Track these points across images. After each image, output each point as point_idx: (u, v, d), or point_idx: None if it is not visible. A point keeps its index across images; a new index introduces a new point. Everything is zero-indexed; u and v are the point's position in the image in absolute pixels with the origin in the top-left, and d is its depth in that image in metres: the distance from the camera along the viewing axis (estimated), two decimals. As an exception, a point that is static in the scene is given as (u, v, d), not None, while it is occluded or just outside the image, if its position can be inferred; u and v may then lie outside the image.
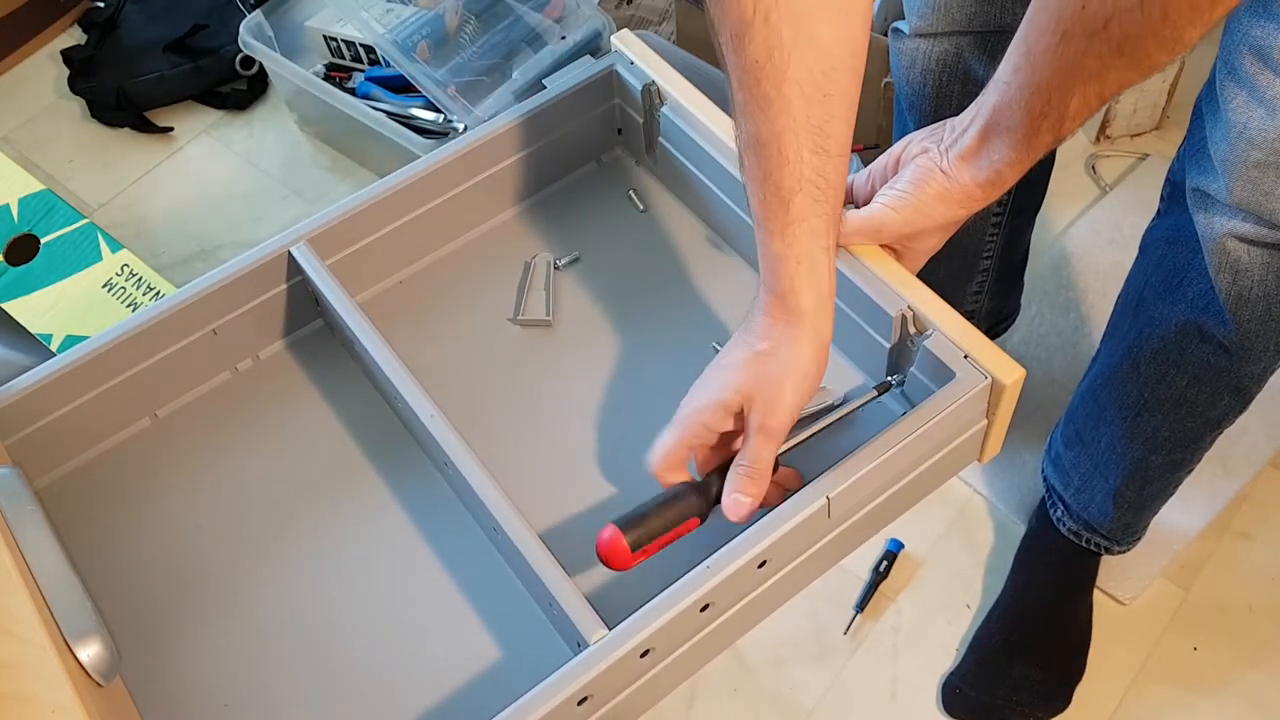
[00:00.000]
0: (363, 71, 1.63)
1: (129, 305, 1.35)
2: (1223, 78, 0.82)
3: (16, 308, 1.34)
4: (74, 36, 1.89)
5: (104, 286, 1.36)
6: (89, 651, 0.68)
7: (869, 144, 1.50)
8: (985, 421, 0.77)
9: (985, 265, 1.22)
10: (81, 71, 1.80)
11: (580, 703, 0.66)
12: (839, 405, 0.82)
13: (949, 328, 0.75)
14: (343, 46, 1.63)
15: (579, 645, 0.68)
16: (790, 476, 0.77)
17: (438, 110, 1.53)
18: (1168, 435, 1.06)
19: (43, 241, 1.39)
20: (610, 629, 0.66)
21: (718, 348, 0.85)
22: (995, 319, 1.34)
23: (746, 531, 0.68)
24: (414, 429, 0.81)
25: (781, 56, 0.64)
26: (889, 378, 0.80)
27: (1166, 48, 0.61)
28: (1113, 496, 1.15)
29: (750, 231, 0.86)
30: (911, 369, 0.78)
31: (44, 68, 1.86)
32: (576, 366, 0.86)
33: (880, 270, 0.77)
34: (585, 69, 0.92)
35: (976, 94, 1.01)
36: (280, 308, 0.87)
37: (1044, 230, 1.57)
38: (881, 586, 1.29)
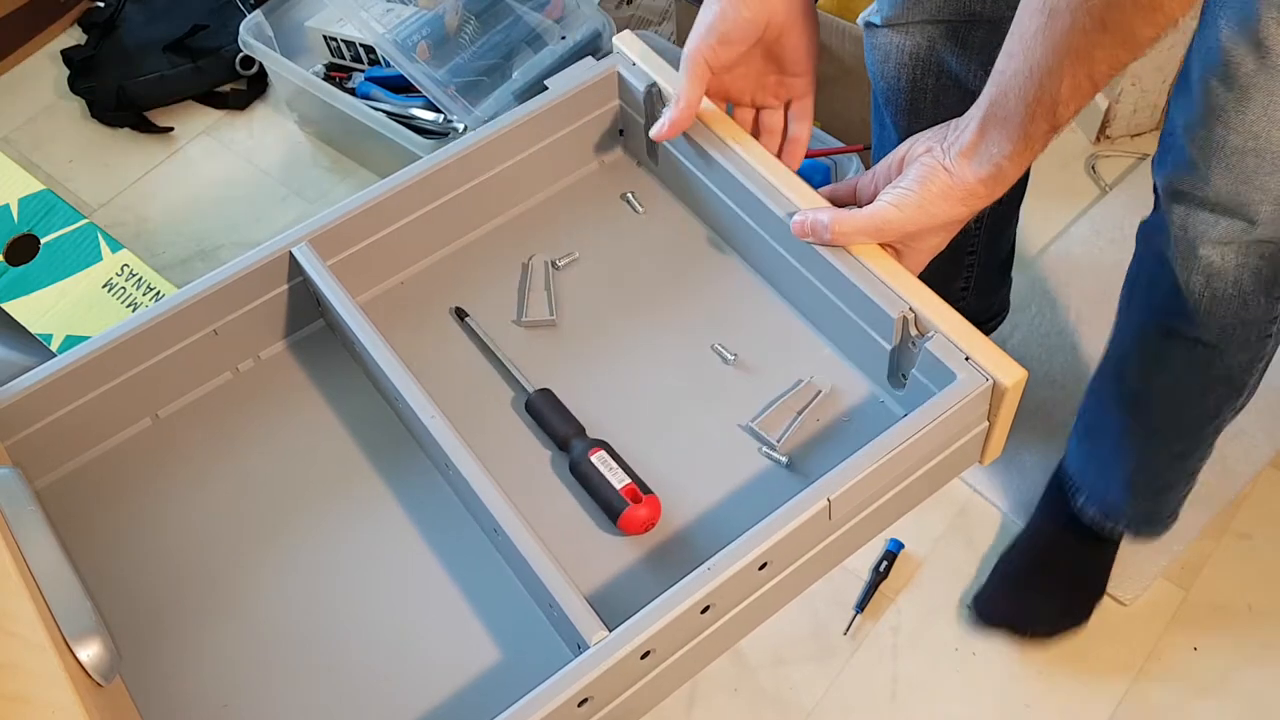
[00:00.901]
0: (363, 71, 1.63)
1: (129, 305, 1.35)
2: (1199, 61, 0.82)
3: (16, 308, 1.34)
4: (74, 36, 1.90)
5: (104, 286, 1.36)
6: (89, 651, 0.67)
7: (869, 144, 1.50)
8: (987, 423, 0.77)
9: (970, 261, 1.22)
10: (81, 71, 1.81)
11: (581, 704, 0.66)
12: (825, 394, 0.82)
13: (950, 329, 0.75)
14: (343, 46, 1.63)
15: (579, 647, 0.68)
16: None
17: (438, 110, 1.53)
18: (1166, 428, 1.08)
19: (43, 241, 1.39)
20: (611, 630, 0.66)
21: (719, 348, 0.86)
22: (983, 317, 1.35)
23: (747, 533, 0.68)
24: (415, 430, 0.81)
25: None
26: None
27: (1148, 18, 0.61)
28: (1127, 487, 1.17)
29: (751, 234, 0.86)
30: (913, 370, 0.78)
31: (44, 68, 1.86)
32: (579, 367, 0.86)
33: (882, 272, 0.77)
34: (587, 70, 0.92)
35: (950, 87, 1.03)
36: (281, 308, 0.87)
37: (1044, 230, 1.57)
38: (881, 586, 1.29)
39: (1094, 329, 1.44)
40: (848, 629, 1.27)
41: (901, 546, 1.31)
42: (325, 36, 1.63)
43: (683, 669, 0.72)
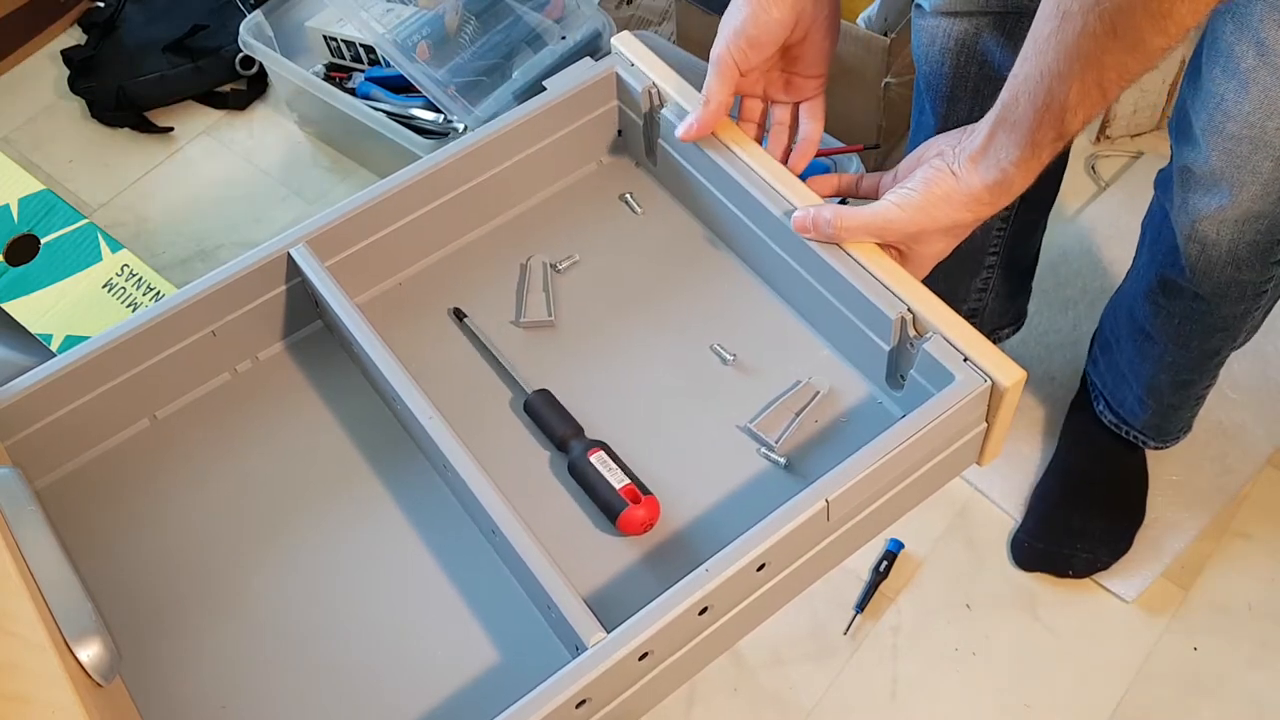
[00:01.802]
0: (363, 71, 1.63)
1: (129, 305, 1.35)
2: (1206, 47, 0.87)
3: (16, 308, 1.34)
4: (74, 36, 1.90)
5: (104, 286, 1.36)
6: (89, 651, 0.68)
7: (869, 144, 1.50)
8: (985, 425, 0.77)
9: (991, 261, 1.23)
10: (81, 71, 1.81)
11: (579, 705, 0.66)
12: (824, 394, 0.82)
13: (949, 330, 0.75)
14: (343, 46, 1.63)
15: (577, 648, 0.68)
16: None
17: (438, 110, 1.53)
18: (1171, 361, 1.14)
19: (43, 241, 1.39)
20: (609, 632, 0.66)
21: (717, 349, 0.85)
22: (998, 323, 1.35)
23: (745, 534, 0.68)
24: (413, 431, 0.81)
25: None
26: None
27: (1158, 25, 0.61)
28: (1140, 402, 1.23)
29: (749, 234, 0.86)
30: (911, 371, 0.77)
31: (44, 68, 1.86)
32: (577, 369, 0.86)
33: (881, 272, 0.77)
34: (585, 71, 0.92)
35: (992, 77, 1.04)
36: (280, 309, 0.87)
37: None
38: (881, 586, 1.29)
39: (1092, 327, 1.44)
40: (848, 629, 1.27)
41: (901, 546, 1.31)
42: (325, 36, 1.63)
43: (681, 670, 0.72)
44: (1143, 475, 1.33)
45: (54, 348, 1.31)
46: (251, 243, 1.62)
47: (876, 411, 0.82)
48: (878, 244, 0.78)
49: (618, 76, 0.92)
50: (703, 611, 0.68)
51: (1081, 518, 1.30)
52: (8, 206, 1.40)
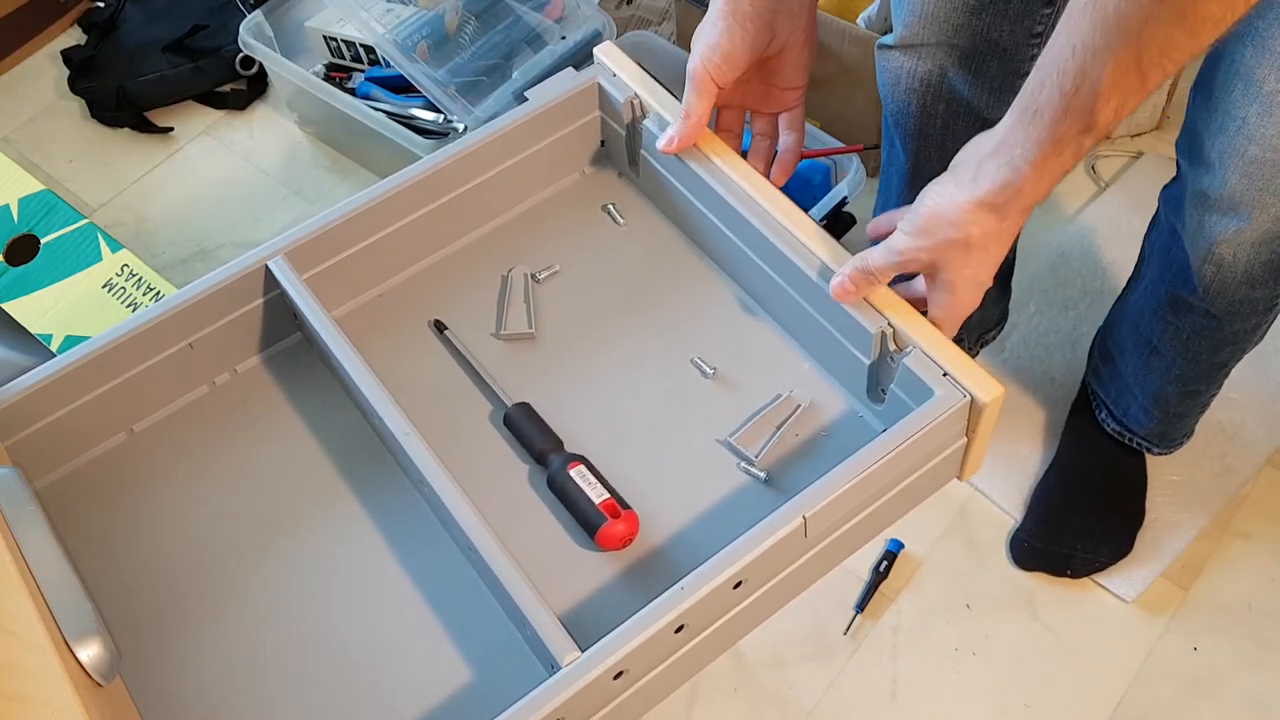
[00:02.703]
0: (363, 71, 1.63)
1: (129, 305, 1.35)
2: (1221, 70, 0.84)
3: (16, 308, 1.34)
4: (74, 36, 1.90)
5: (104, 286, 1.36)
6: (89, 651, 0.68)
7: (869, 144, 1.50)
8: (964, 440, 0.76)
9: None
10: (81, 71, 1.81)
11: None
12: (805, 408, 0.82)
13: (929, 345, 0.74)
14: (343, 46, 1.63)
15: (552, 667, 0.67)
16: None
17: (438, 110, 1.53)
18: (1179, 374, 1.13)
19: (43, 241, 1.39)
20: (583, 651, 0.66)
21: (698, 362, 0.85)
22: (982, 328, 1.35)
23: (722, 552, 0.68)
24: (390, 446, 0.81)
25: None
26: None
27: None
28: (1144, 411, 1.23)
29: (731, 247, 0.86)
30: (892, 386, 0.77)
31: (44, 68, 1.86)
32: (557, 381, 0.85)
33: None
34: (567, 81, 0.91)
35: (962, 114, 1.02)
36: (258, 321, 0.86)
37: (1042, 229, 1.57)
38: (881, 586, 1.29)
39: (1092, 327, 1.44)
40: (848, 629, 1.27)
41: (901, 546, 1.31)
42: (325, 36, 1.63)
43: (658, 688, 0.71)
44: (1143, 477, 1.33)
45: (54, 348, 1.31)
46: (252, 243, 1.62)
47: (857, 425, 0.81)
48: (911, 274, 0.76)
49: (600, 87, 0.91)
50: (679, 629, 0.68)
51: (1081, 518, 1.30)
52: (8, 206, 1.40)
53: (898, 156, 1.11)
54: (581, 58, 1.55)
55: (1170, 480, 1.34)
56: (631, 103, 0.89)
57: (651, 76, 0.90)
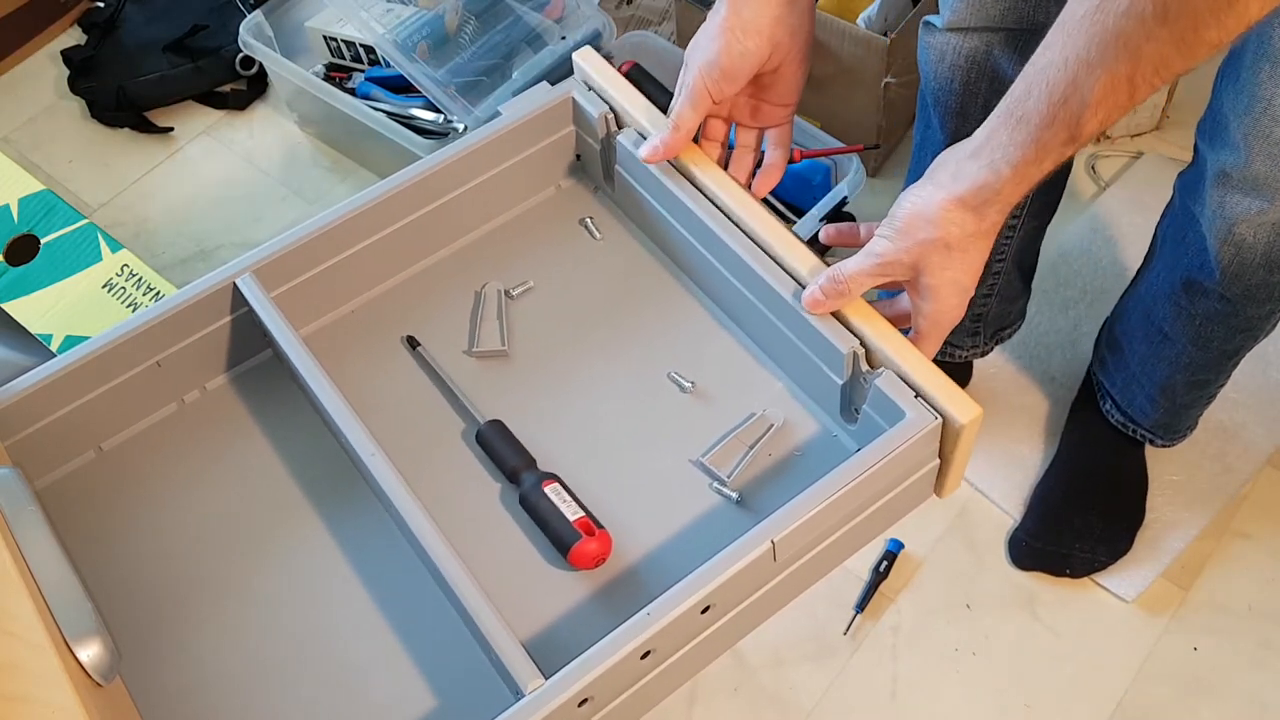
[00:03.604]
0: (363, 71, 1.63)
1: (129, 305, 1.35)
2: (1251, 51, 0.84)
3: (16, 308, 1.34)
4: (74, 36, 1.90)
5: (104, 286, 1.36)
6: (89, 651, 0.68)
7: (869, 144, 1.50)
8: (937, 461, 0.75)
9: (998, 268, 1.23)
10: (81, 71, 1.81)
11: None
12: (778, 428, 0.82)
13: (903, 365, 0.73)
14: (343, 46, 1.63)
15: (517, 693, 0.66)
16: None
17: (438, 110, 1.53)
18: (1189, 361, 1.13)
19: (43, 241, 1.39)
20: (547, 678, 0.65)
21: (675, 377, 0.85)
22: (1000, 324, 1.35)
23: (689, 577, 0.67)
24: (358, 466, 0.80)
25: None
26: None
27: (1217, 16, 0.56)
28: (1150, 401, 1.23)
29: (705, 264, 0.85)
30: (865, 406, 0.76)
31: (44, 68, 1.86)
32: (530, 399, 0.85)
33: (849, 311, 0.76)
34: (541, 95, 0.90)
35: (1003, 91, 1.02)
36: (226, 338, 0.86)
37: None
38: (881, 586, 1.29)
39: (1092, 327, 1.44)
40: (848, 629, 1.27)
41: (901, 546, 1.31)
42: (325, 36, 1.63)
43: (626, 713, 0.71)
44: (1143, 476, 1.33)
45: (54, 348, 1.31)
46: (252, 243, 1.62)
47: (831, 445, 0.81)
48: (890, 285, 0.75)
49: (574, 101, 0.90)
50: (645, 655, 0.67)
51: (1081, 517, 1.30)
52: (8, 206, 1.40)
53: (934, 136, 1.11)
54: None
55: (1170, 480, 1.34)
56: (605, 118, 0.88)
57: (637, 83, 0.89)
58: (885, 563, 1.29)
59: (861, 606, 1.27)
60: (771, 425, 0.82)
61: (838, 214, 1.39)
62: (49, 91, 1.83)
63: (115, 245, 1.38)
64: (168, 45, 1.79)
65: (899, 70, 1.46)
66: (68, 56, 1.83)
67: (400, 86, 1.57)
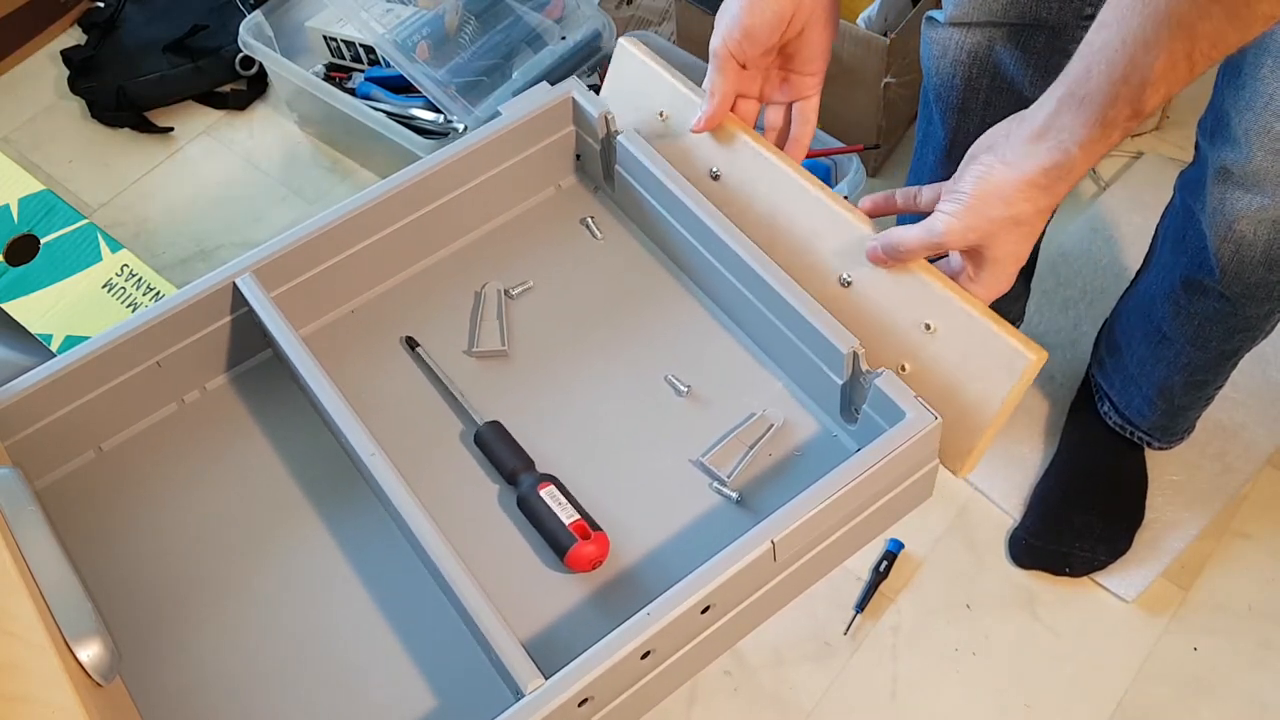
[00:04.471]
0: (363, 71, 1.63)
1: (129, 305, 1.35)
2: (1251, 47, 0.83)
3: (16, 308, 1.34)
4: (74, 36, 1.90)
5: (104, 286, 1.36)
6: (89, 651, 0.68)
7: (869, 144, 1.50)
8: (937, 461, 0.75)
9: None
10: (81, 71, 1.81)
11: None
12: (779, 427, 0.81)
13: (971, 311, 0.73)
14: (343, 46, 1.63)
15: (517, 693, 0.67)
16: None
17: (438, 110, 1.53)
18: (1187, 362, 1.13)
19: (43, 241, 1.39)
20: (547, 678, 0.65)
21: (672, 380, 0.85)
22: None
23: (688, 577, 0.67)
24: (358, 466, 0.80)
25: None
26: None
27: None
28: (1149, 403, 1.23)
29: (704, 264, 0.85)
30: (865, 406, 0.76)
31: (44, 68, 1.86)
32: (531, 399, 0.85)
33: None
34: (541, 96, 0.90)
35: (1004, 90, 1.02)
36: (226, 338, 0.86)
37: (1044, 230, 1.57)
38: (881, 586, 1.29)
39: (1092, 327, 1.44)
40: (848, 629, 1.27)
41: (901, 546, 1.31)
42: (325, 36, 1.63)
43: (626, 713, 0.71)
44: (1143, 476, 1.33)
45: (54, 348, 1.31)
46: (252, 243, 1.62)
47: (830, 445, 0.81)
48: (954, 252, 0.75)
49: (574, 101, 0.90)
50: (645, 655, 0.67)
51: (1081, 516, 1.30)
52: (8, 206, 1.40)
53: (935, 133, 1.11)
54: (581, 58, 1.55)
55: (1170, 480, 1.34)
56: (605, 118, 0.88)
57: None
58: (885, 563, 1.29)
59: (861, 606, 1.27)
60: (771, 425, 0.81)
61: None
62: (49, 91, 1.83)
63: (115, 245, 1.38)
64: (168, 45, 1.79)
65: (899, 70, 1.46)
66: (68, 56, 1.83)
67: (400, 86, 1.57)
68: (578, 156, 0.95)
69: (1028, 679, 1.24)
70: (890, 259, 0.75)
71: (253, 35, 1.59)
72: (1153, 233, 1.17)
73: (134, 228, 1.67)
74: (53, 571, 0.71)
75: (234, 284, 0.83)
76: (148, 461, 0.85)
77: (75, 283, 1.36)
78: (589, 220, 0.93)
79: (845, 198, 0.83)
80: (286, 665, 0.76)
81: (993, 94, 1.04)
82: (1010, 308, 1.33)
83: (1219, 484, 1.34)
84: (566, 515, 0.76)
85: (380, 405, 0.84)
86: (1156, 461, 1.35)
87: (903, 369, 0.77)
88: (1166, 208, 1.13)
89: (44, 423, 0.81)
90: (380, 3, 1.56)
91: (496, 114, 0.90)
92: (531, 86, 0.92)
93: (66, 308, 1.35)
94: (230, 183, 1.71)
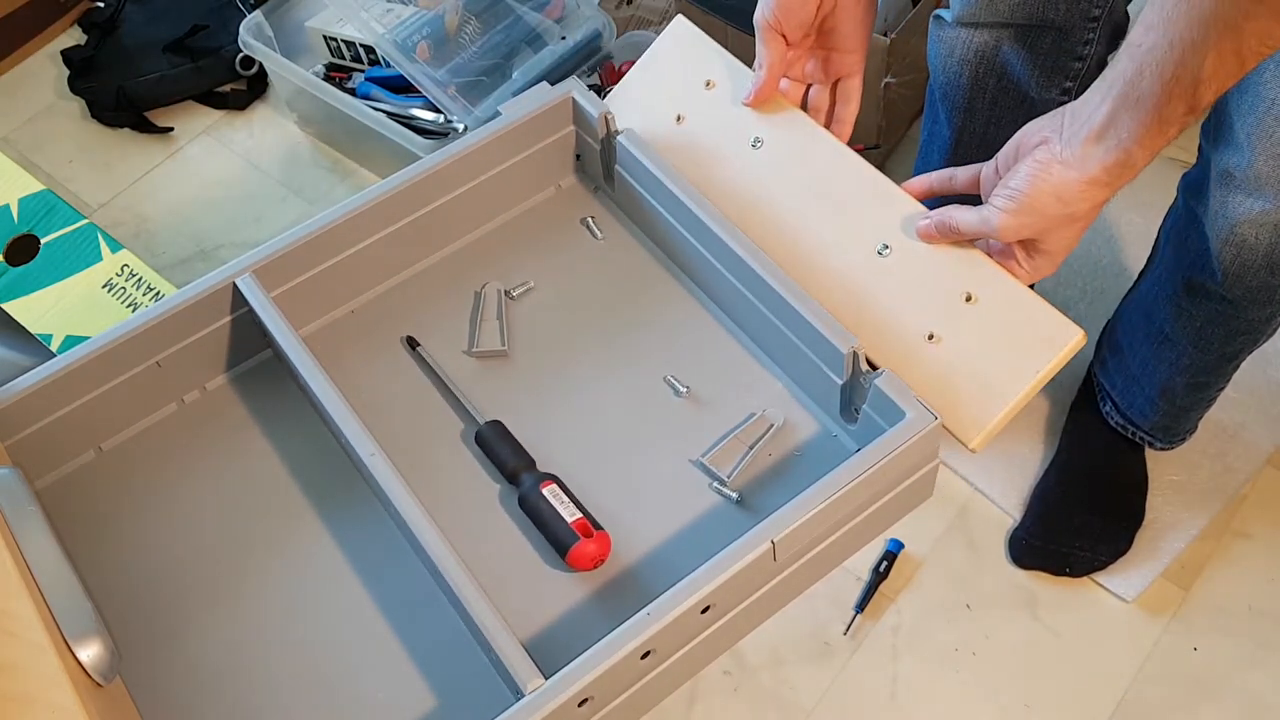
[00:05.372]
0: (363, 71, 1.63)
1: (129, 305, 1.35)
2: None
3: (16, 308, 1.34)
4: (74, 36, 1.90)
5: (104, 287, 1.36)
6: (89, 651, 0.68)
7: (869, 144, 1.50)
8: (937, 461, 0.75)
9: None
10: (81, 71, 1.80)
11: None
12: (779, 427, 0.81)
13: (1018, 291, 0.74)
14: (343, 46, 1.63)
15: (517, 693, 0.67)
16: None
17: (438, 110, 1.53)
18: (1189, 364, 1.14)
19: (43, 241, 1.39)
20: (547, 678, 0.65)
21: (671, 381, 0.85)
22: None
23: (689, 577, 0.67)
24: (358, 466, 0.80)
25: None
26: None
27: None
28: (1150, 403, 1.23)
29: (704, 264, 0.86)
30: (864, 406, 0.77)
31: (44, 68, 1.86)
32: (531, 399, 0.85)
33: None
34: (541, 96, 0.90)
35: (1010, 90, 1.03)
36: (226, 338, 0.86)
37: (1044, 230, 1.57)
38: (881, 586, 1.29)
39: (1093, 327, 1.44)
40: (848, 629, 1.27)
41: (901, 546, 1.31)
42: (325, 36, 1.63)
43: (626, 713, 0.71)
44: (1143, 476, 1.33)
45: (54, 348, 1.31)
46: (252, 242, 1.62)
47: (830, 445, 0.81)
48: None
49: (574, 101, 0.90)
50: (645, 655, 0.67)
51: (1081, 516, 1.30)
52: (8, 206, 1.40)
53: (941, 132, 1.11)
54: (581, 58, 1.55)
55: (1170, 480, 1.34)
56: (605, 117, 0.88)
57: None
58: (885, 563, 1.29)
59: (861, 606, 1.27)
60: (771, 425, 0.81)
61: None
62: (49, 91, 1.83)
63: (115, 245, 1.38)
64: (168, 45, 1.79)
65: (899, 70, 1.46)
66: (68, 56, 1.83)
67: (400, 86, 1.57)
68: (578, 156, 0.95)
69: (1028, 679, 1.24)
70: (943, 238, 0.77)
71: (253, 35, 1.59)
72: (1154, 233, 1.17)
73: (134, 228, 1.67)
74: (53, 571, 0.71)
75: (234, 284, 0.83)
76: (148, 461, 0.85)
77: (75, 283, 1.36)
78: (589, 220, 0.93)
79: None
80: (286, 665, 0.76)
81: (999, 94, 1.04)
82: None
83: (1219, 484, 1.34)
84: (569, 513, 0.76)
85: (380, 405, 0.84)
86: (1156, 461, 1.35)
87: (930, 337, 0.77)
88: (1169, 209, 1.13)
89: (44, 423, 0.81)
90: (380, 3, 1.56)
91: (496, 114, 0.90)
92: (531, 86, 0.92)
93: (66, 308, 1.35)
94: (230, 183, 1.71)
